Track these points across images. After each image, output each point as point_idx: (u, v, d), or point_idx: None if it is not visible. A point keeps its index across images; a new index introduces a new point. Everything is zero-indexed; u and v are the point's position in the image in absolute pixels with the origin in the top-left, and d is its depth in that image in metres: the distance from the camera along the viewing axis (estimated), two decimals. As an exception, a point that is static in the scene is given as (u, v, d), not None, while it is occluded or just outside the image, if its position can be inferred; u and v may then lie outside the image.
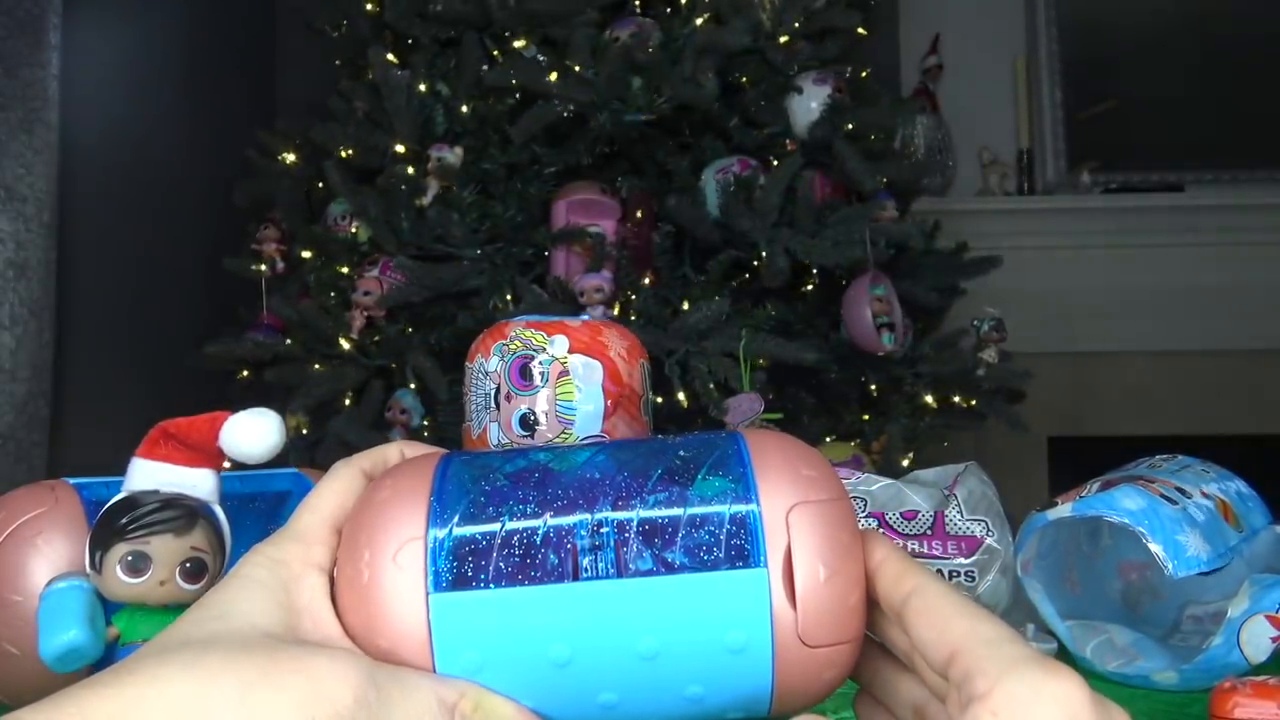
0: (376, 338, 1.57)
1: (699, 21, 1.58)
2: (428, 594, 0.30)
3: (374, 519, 0.32)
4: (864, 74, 1.79)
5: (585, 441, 0.43)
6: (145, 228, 1.80)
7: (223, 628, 0.29)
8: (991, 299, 1.90)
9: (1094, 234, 2.51)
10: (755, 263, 1.54)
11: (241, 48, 2.23)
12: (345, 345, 1.55)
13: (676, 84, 1.51)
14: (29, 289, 1.39)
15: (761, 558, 0.30)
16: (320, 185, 1.72)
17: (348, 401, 1.59)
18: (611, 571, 0.31)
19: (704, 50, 1.55)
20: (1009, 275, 2.28)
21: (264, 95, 2.30)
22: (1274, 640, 0.66)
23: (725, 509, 0.32)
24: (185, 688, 0.26)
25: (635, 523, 0.32)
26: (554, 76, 1.52)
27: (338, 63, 1.83)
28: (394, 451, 0.36)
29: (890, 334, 1.52)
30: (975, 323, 1.69)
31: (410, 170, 1.57)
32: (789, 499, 0.31)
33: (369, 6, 1.74)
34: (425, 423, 1.55)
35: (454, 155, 1.57)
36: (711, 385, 1.41)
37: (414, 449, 0.36)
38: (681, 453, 0.34)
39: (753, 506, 0.31)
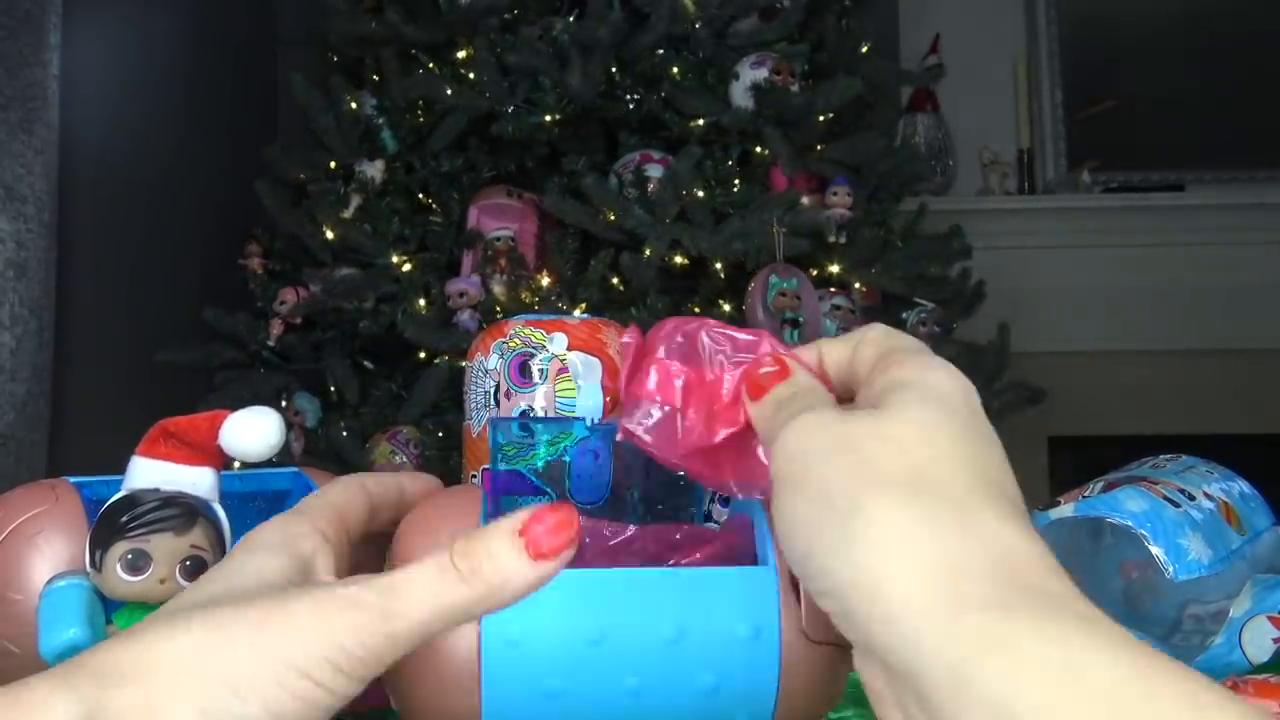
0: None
1: (571, 19, 1.59)
2: None
3: (436, 513, 0.38)
4: (848, 43, 1.77)
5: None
6: (145, 228, 1.80)
7: (228, 586, 0.30)
8: (992, 298, 1.90)
9: (1094, 234, 2.50)
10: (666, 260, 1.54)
11: (242, 47, 2.23)
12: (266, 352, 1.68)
13: (575, 84, 1.52)
14: (29, 289, 1.39)
15: (770, 558, 0.35)
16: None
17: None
18: (640, 564, 0.37)
19: (587, 46, 1.53)
20: (1009, 275, 2.28)
21: (265, 93, 2.30)
22: (1276, 641, 0.66)
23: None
24: (201, 633, 0.27)
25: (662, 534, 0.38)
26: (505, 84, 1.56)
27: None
28: (396, 480, 0.40)
29: (795, 330, 1.43)
30: (904, 315, 1.62)
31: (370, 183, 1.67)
32: None
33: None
34: (334, 423, 1.64)
35: (375, 169, 1.64)
36: None
37: (415, 482, 0.40)
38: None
39: (761, 514, 0.36)
